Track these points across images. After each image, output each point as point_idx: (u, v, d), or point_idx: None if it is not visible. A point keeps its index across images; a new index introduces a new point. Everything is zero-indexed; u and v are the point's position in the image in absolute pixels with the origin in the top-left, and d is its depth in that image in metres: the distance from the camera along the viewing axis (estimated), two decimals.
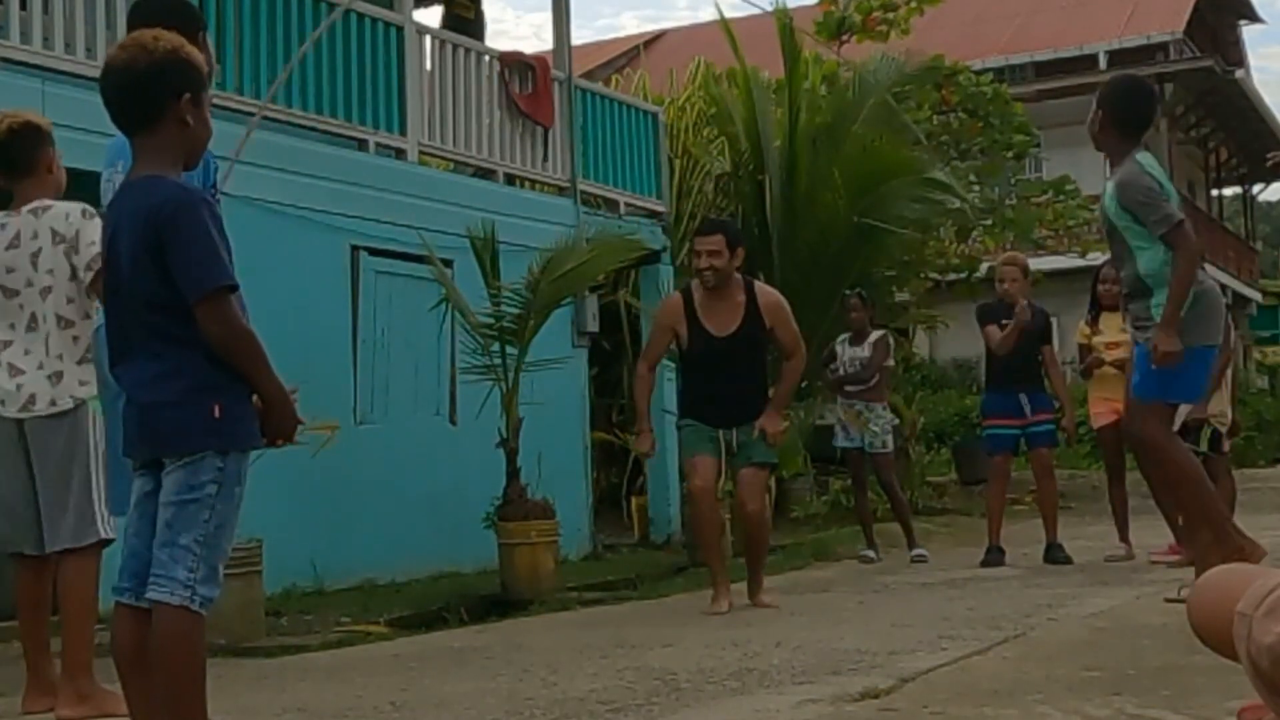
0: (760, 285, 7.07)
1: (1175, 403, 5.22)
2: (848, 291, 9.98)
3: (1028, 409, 8.52)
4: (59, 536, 4.35)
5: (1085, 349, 8.70)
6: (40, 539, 4.40)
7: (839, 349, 9.51)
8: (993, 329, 8.50)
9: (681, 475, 10.86)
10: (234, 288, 2.99)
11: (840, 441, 9.47)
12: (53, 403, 4.35)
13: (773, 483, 11.69)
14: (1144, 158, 5.13)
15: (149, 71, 3.03)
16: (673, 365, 9.26)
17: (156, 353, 3.00)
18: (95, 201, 4.30)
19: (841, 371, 9.42)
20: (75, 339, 4.40)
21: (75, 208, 4.44)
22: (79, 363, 4.39)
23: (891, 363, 9.91)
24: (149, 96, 3.04)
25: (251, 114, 8.25)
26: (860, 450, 9.38)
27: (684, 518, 10.43)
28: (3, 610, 6.58)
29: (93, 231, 4.33)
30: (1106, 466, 8.88)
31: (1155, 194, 5.09)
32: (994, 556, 8.53)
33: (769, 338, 6.88)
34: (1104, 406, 8.54)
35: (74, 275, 4.38)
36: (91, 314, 4.42)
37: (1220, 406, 8.13)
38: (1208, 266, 7.91)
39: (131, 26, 3.88)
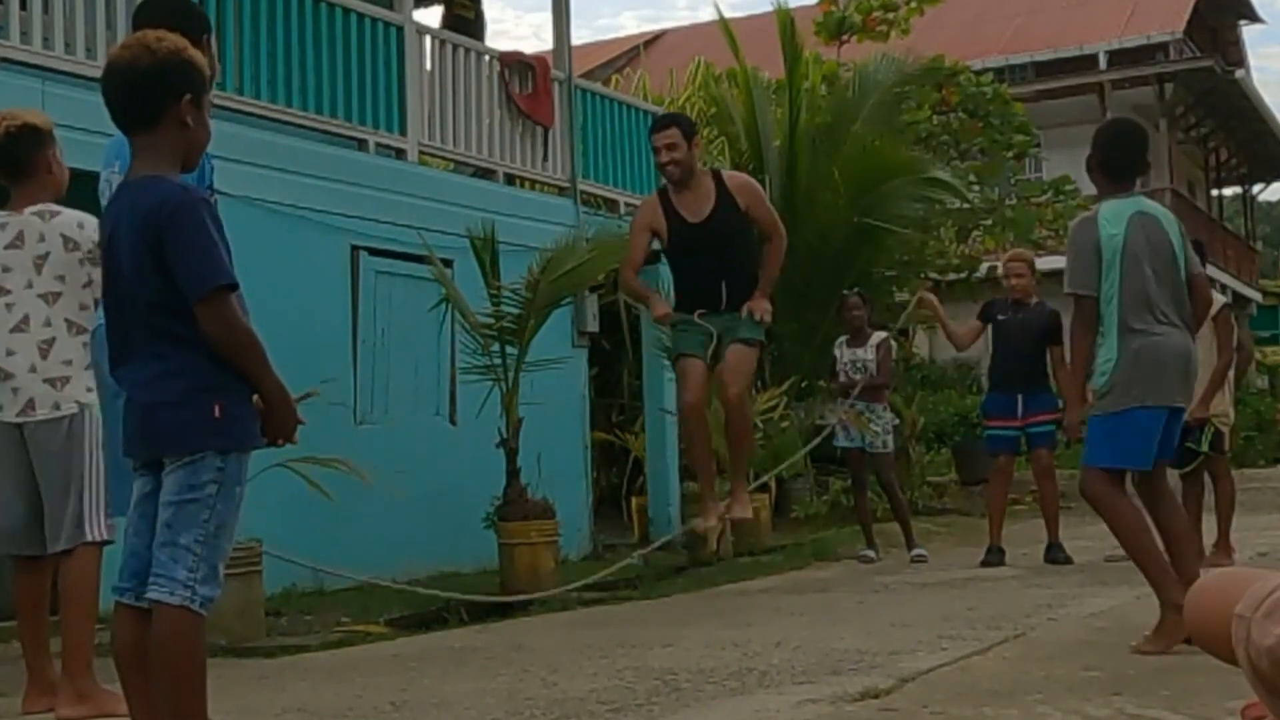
0: (727, 172, 7.30)
1: (1116, 468, 5.01)
2: (846, 291, 9.98)
3: (1020, 409, 8.53)
4: (59, 538, 4.35)
5: None
6: (41, 540, 4.41)
7: (837, 352, 9.49)
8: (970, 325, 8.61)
9: (681, 474, 10.91)
10: (234, 287, 2.99)
11: (841, 441, 9.47)
12: (55, 406, 4.35)
13: (773, 483, 11.69)
14: (1106, 208, 4.90)
15: (151, 71, 3.03)
16: (669, 363, 9.28)
17: (156, 353, 3.00)
18: (94, 201, 4.31)
19: (842, 376, 9.39)
20: (85, 345, 4.41)
21: (90, 218, 4.44)
22: (86, 368, 4.40)
23: (892, 362, 9.93)
24: (150, 96, 3.04)
25: (251, 114, 8.26)
26: (861, 450, 9.38)
27: (684, 516, 10.42)
28: (2, 610, 6.59)
29: None
30: None
31: (1077, 255, 4.89)
32: (994, 557, 8.55)
33: (748, 219, 7.00)
34: None
35: (90, 283, 4.38)
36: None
37: (1222, 406, 8.14)
38: (1208, 266, 7.89)
39: (137, 28, 3.89)
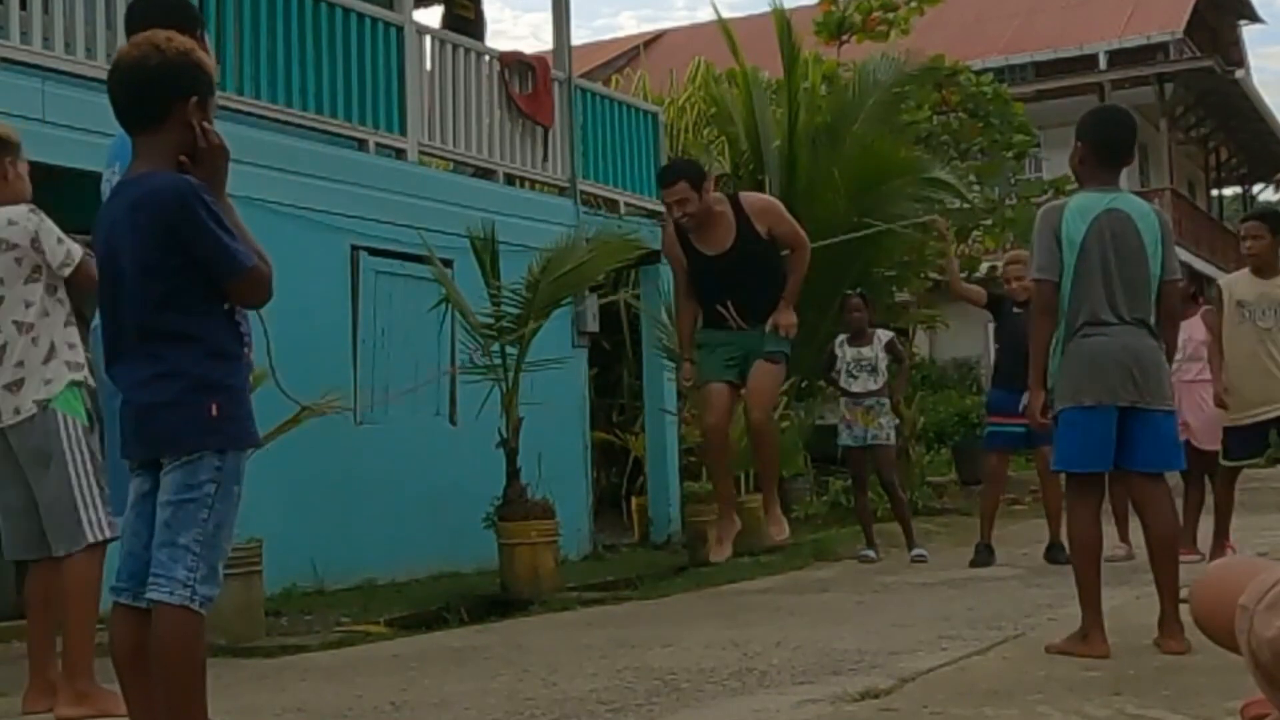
0: (746, 196, 7.14)
1: (1066, 470, 4.95)
2: (849, 292, 9.97)
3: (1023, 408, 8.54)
4: (60, 541, 4.36)
5: None
6: (46, 543, 4.41)
7: (838, 351, 9.47)
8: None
9: (681, 474, 10.91)
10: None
11: (844, 439, 9.46)
12: (16, 412, 4.36)
13: None
14: (1075, 202, 4.83)
15: (159, 70, 3.03)
16: (671, 363, 9.28)
17: (152, 353, 3.00)
18: (96, 200, 4.30)
19: (844, 374, 9.37)
20: (35, 340, 4.38)
21: (17, 210, 4.43)
22: (44, 362, 4.38)
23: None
24: (157, 95, 3.03)
25: (252, 114, 8.26)
26: (862, 449, 9.36)
27: (684, 516, 10.43)
28: (2, 611, 6.59)
29: (51, 226, 4.39)
30: None
31: (1038, 241, 4.84)
32: (983, 556, 8.54)
33: (771, 241, 6.91)
34: None
35: (31, 278, 4.37)
36: (52, 311, 4.42)
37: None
38: (1208, 266, 7.81)
39: (130, 24, 3.89)
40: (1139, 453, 4.83)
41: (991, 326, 8.88)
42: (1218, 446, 7.81)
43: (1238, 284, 7.51)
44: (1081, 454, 4.80)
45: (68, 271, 4.39)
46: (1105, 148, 4.95)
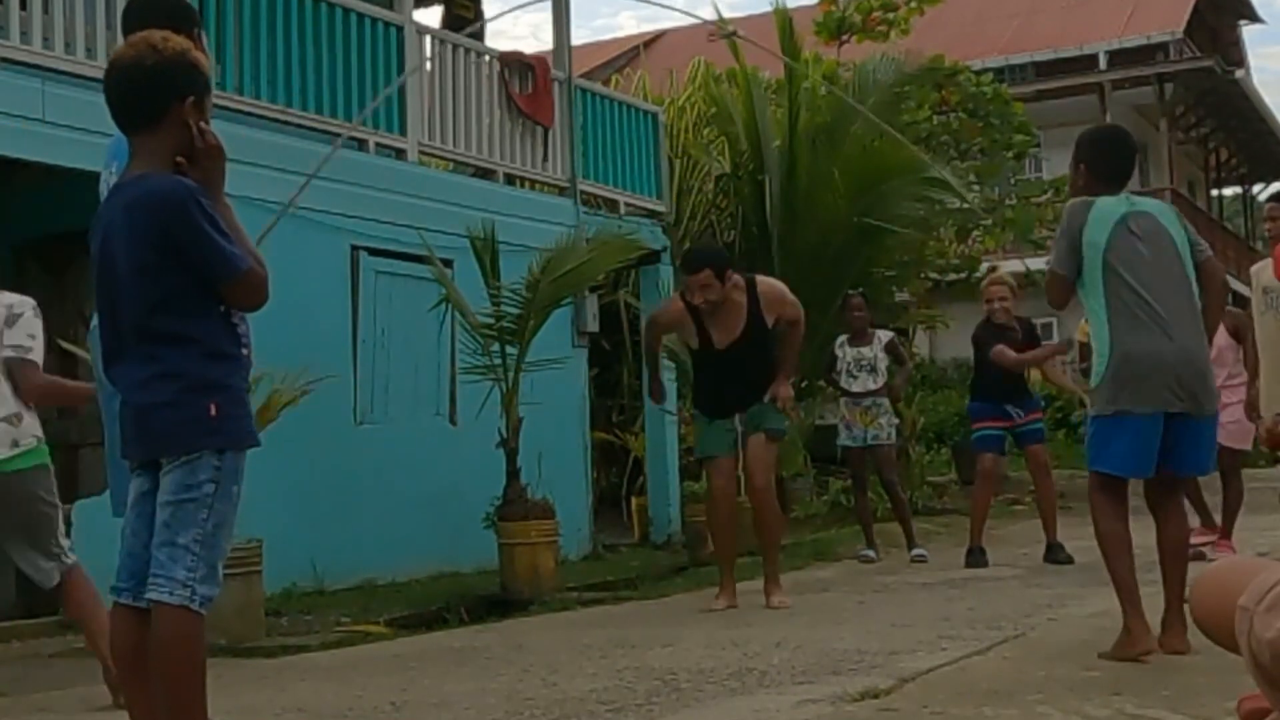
0: (760, 282, 7.12)
1: (1103, 471, 4.89)
2: (850, 291, 9.96)
3: (1015, 415, 8.58)
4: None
5: (1086, 348, 8.69)
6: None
7: (839, 351, 9.47)
8: (1002, 348, 8.46)
9: (681, 474, 10.91)
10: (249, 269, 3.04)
11: (844, 440, 9.45)
12: None
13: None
14: (1099, 207, 4.80)
15: (156, 70, 3.02)
16: (671, 364, 9.28)
17: (150, 354, 3.00)
18: (95, 200, 4.31)
19: (844, 374, 9.36)
20: None
21: (24, 301, 4.65)
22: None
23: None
24: (153, 95, 3.03)
25: (251, 114, 8.26)
26: (862, 449, 9.36)
27: (684, 516, 10.43)
28: (2, 611, 6.60)
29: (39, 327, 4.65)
30: None
31: (1060, 237, 4.84)
32: (977, 558, 8.51)
33: (774, 328, 6.99)
34: None
35: None
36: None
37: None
38: None
39: (126, 23, 3.89)
40: (1179, 457, 4.78)
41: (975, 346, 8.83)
42: (1249, 446, 7.79)
43: (1264, 270, 7.45)
44: (1125, 459, 4.73)
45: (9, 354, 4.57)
46: (1106, 169, 4.94)
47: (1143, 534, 8.85)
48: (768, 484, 7.04)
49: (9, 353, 4.57)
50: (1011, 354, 8.38)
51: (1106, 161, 4.98)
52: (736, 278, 6.94)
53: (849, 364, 9.36)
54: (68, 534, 6.88)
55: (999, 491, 10.19)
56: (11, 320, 4.59)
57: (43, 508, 4.51)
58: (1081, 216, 4.81)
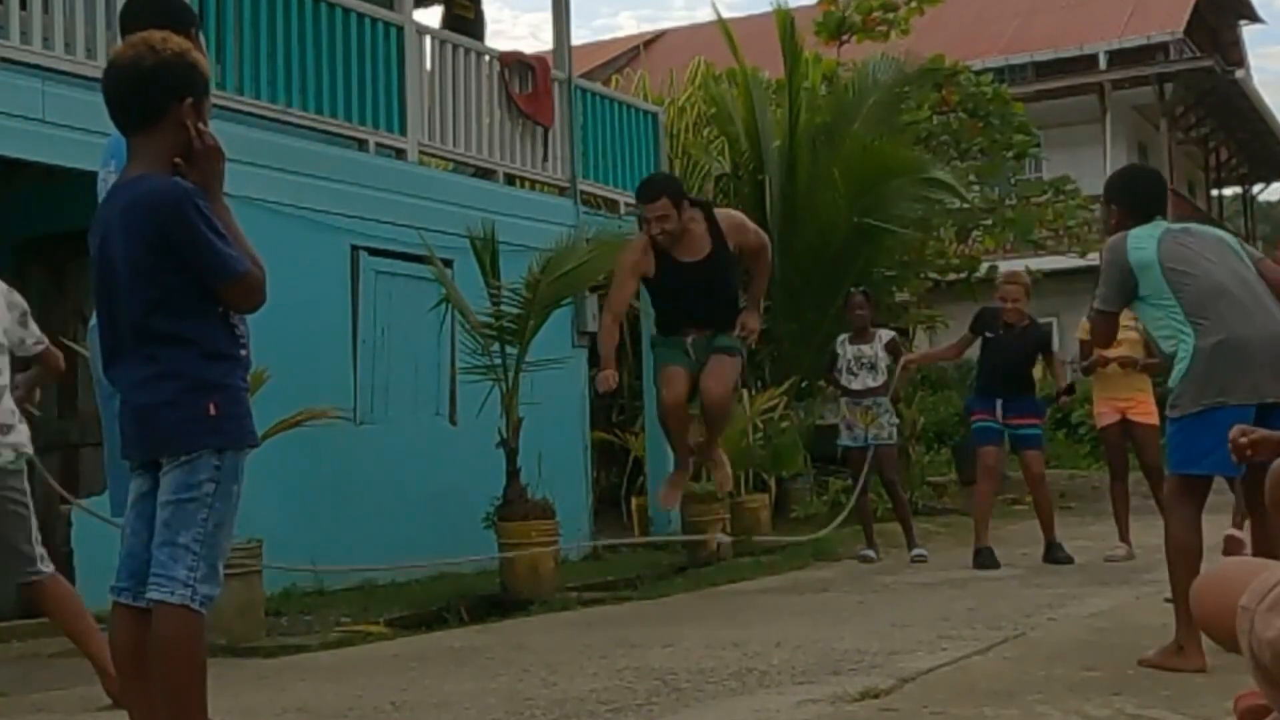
0: (719, 211, 7.15)
1: (1186, 473, 4.73)
2: (852, 289, 9.95)
3: (1000, 411, 8.58)
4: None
5: (1087, 346, 8.70)
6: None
7: (840, 349, 9.45)
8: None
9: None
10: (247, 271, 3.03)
11: (845, 440, 9.44)
12: None
13: (773, 482, 11.69)
14: (1135, 231, 4.77)
15: (154, 71, 3.02)
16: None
17: (149, 354, 3.00)
18: (94, 201, 4.31)
19: (845, 373, 9.35)
20: None
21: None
22: None
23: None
24: (151, 96, 3.03)
25: (251, 114, 8.26)
26: (863, 449, 9.35)
27: (684, 516, 10.40)
28: (2, 611, 6.59)
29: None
30: (1110, 465, 8.87)
31: (1103, 272, 4.82)
32: (986, 559, 8.50)
33: (738, 253, 7.00)
34: (1108, 406, 8.55)
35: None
36: None
37: None
38: None
39: (124, 23, 3.90)
40: None
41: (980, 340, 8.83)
42: None
43: None
44: (1218, 458, 4.25)
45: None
46: (1138, 205, 4.88)
47: (1142, 534, 8.86)
48: (725, 393, 6.98)
49: (38, 348, 4.71)
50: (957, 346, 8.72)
51: (1136, 197, 4.94)
52: (693, 210, 6.94)
53: (849, 361, 9.35)
54: (68, 536, 6.93)
55: (999, 490, 10.17)
56: (24, 320, 4.68)
57: (10, 507, 4.51)
58: (1122, 245, 4.75)
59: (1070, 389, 9.16)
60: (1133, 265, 4.68)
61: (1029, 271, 18.61)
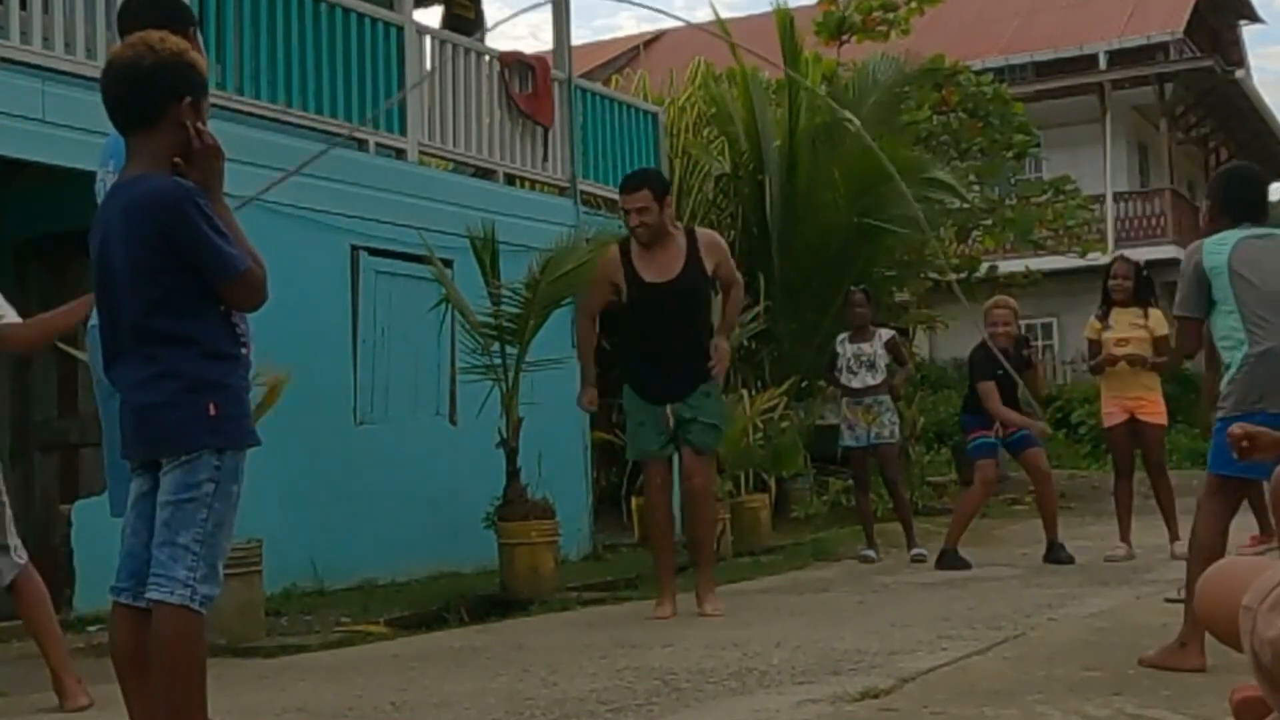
0: (700, 230, 6.96)
1: (1220, 474, 4.73)
2: (852, 287, 9.94)
3: (997, 427, 8.57)
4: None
5: (1095, 344, 8.69)
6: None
7: (839, 348, 9.44)
8: (990, 391, 8.48)
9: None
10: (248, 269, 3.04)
11: (846, 441, 9.43)
12: None
13: (773, 482, 11.69)
14: (1220, 234, 4.77)
15: (153, 70, 3.02)
16: None
17: (149, 354, 3.00)
18: (93, 201, 4.31)
19: (845, 371, 9.34)
20: None
21: None
22: None
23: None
24: (150, 96, 3.03)
25: (251, 114, 8.26)
26: (865, 449, 9.34)
27: (684, 517, 10.40)
28: (2, 611, 6.60)
29: None
30: (1115, 465, 8.85)
31: (1181, 280, 4.80)
32: (952, 560, 8.47)
33: (712, 278, 6.73)
34: (1115, 405, 8.55)
35: None
36: None
37: None
38: None
39: (121, 21, 3.90)
40: None
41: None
42: None
43: None
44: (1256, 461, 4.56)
45: None
46: (1230, 209, 4.86)
47: (1142, 534, 8.87)
48: (706, 484, 6.71)
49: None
50: (995, 406, 8.43)
51: (1226, 197, 4.89)
52: (677, 224, 6.75)
53: (849, 360, 9.33)
54: (68, 536, 6.93)
55: (995, 493, 10.17)
56: None
57: None
58: (1199, 249, 4.74)
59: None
60: (1206, 270, 4.67)
61: (1029, 271, 18.73)
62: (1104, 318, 8.63)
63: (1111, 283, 8.62)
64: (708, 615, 6.44)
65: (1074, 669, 4.45)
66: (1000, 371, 8.36)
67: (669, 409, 6.60)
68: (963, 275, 16.52)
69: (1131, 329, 8.49)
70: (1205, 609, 2.74)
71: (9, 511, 4.61)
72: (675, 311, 6.59)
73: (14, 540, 4.60)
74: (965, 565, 8.40)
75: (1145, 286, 8.70)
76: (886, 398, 9.33)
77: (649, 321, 6.65)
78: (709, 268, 6.66)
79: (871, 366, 9.28)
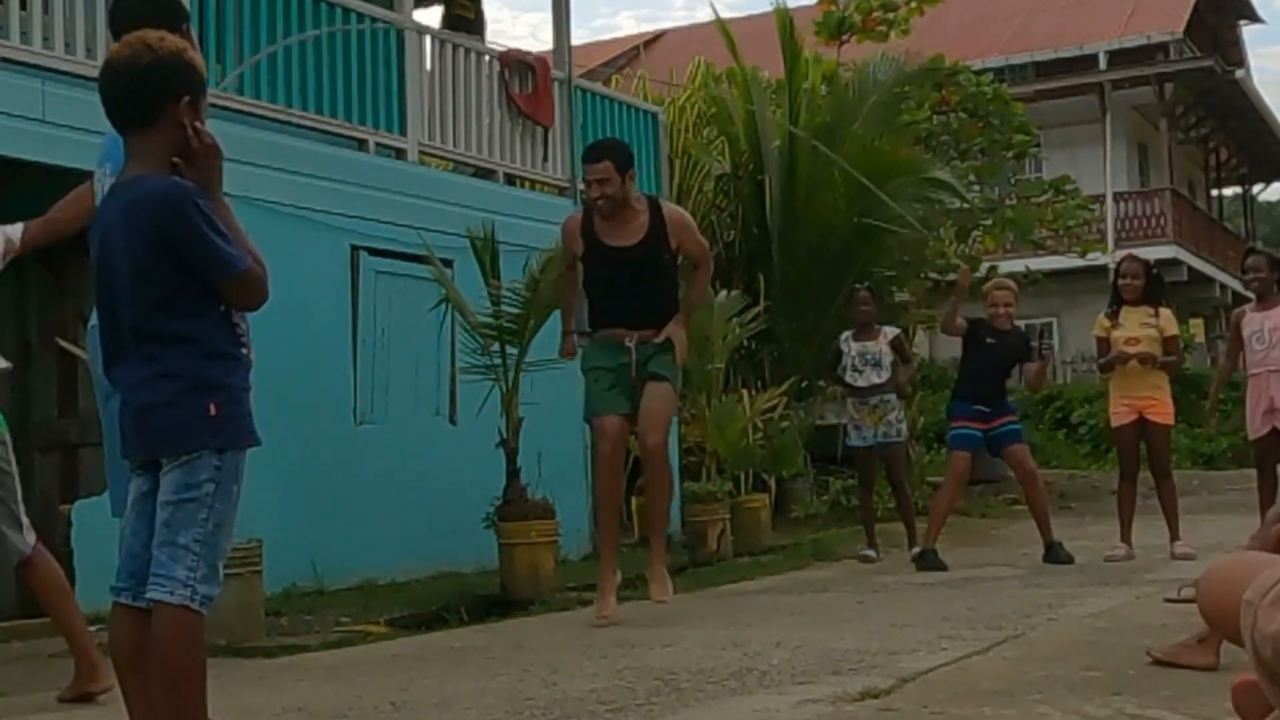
0: (667, 205, 6.88)
1: None
2: (857, 285, 9.92)
3: (982, 419, 8.58)
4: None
5: (1104, 343, 8.66)
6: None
7: (843, 346, 9.39)
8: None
9: (681, 475, 10.91)
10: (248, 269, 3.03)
11: (854, 441, 9.39)
12: None
13: (773, 482, 11.69)
14: None
15: (151, 69, 3.02)
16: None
17: (149, 354, 3.00)
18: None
19: (849, 370, 9.29)
20: None
21: None
22: None
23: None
24: (148, 95, 3.02)
25: (251, 114, 8.26)
26: (870, 449, 9.31)
27: (684, 516, 10.41)
28: (3, 611, 6.60)
29: None
30: (1120, 465, 8.83)
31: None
32: (931, 560, 8.45)
33: (678, 253, 6.65)
34: (1125, 405, 8.53)
35: None
36: None
37: None
38: (1207, 265, 7.72)
39: (114, 18, 3.90)
40: None
41: (968, 344, 8.80)
42: None
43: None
44: None
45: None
46: None
47: (1142, 535, 8.87)
48: (661, 442, 6.58)
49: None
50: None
51: None
52: (640, 194, 6.68)
53: (853, 359, 9.27)
54: (68, 536, 6.93)
55: (994, 494, 10.18)
56: None
57: None
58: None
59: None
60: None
61: (1029, 271, 18.73)
62: (1114, 316, 8.60)
63: (1121, 281, 8.60)
64: (657, 600, 6.43)
65: (1074, 669, 4.45)
66: (991, 340, 8.41)
67: (631, 344, 6.52)
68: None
69: (1142, 328, 8.46)
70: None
71: (17, 484, 4.61)
72: (634, 275, 6.51)
73: (25, 519, 4.62)
74: (943, 567, 8.37)
75: (1155, 285, 8.68)
76: (893, 396, 9.28)
77: (608, 282, 6.60)
78: (673, 243, 6.57)
79: (877, 365, 9.23)
